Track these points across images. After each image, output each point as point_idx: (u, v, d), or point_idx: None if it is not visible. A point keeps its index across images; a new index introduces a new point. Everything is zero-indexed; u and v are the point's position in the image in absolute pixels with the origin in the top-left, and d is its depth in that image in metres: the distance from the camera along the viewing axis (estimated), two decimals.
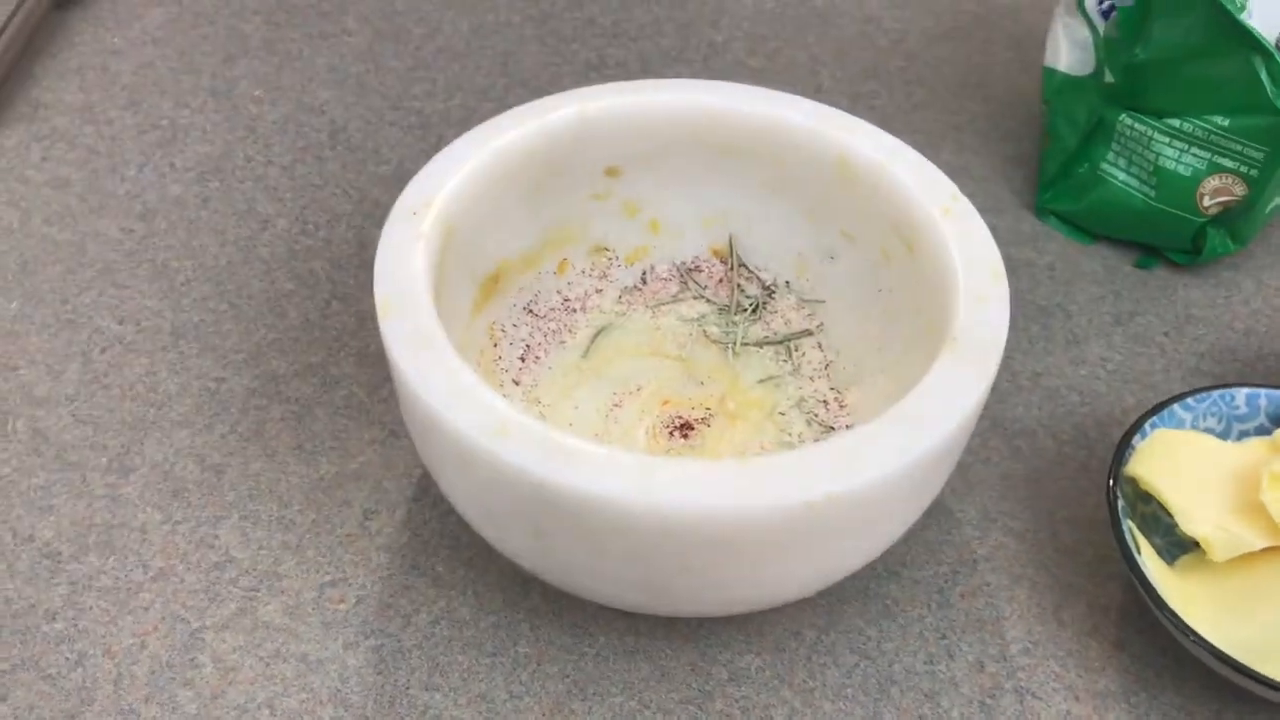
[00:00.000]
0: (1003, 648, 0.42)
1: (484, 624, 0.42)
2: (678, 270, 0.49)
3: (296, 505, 0.44)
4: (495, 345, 0.45)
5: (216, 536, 0.43)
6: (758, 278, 0.48)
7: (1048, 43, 0.58)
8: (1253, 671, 0.37)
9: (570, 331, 0.47)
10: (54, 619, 0.41)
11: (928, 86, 0.64)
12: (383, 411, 0.47)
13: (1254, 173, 0.51)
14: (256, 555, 0.43)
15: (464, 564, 0.43)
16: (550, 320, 0.47)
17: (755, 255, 0.48)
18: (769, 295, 0.48)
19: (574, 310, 0.47)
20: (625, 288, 0.48)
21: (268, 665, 0.40)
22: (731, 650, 0.41)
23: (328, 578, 0.43)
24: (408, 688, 0.40)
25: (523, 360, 0.46)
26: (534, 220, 0.46)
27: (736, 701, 0.40)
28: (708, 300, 0.48)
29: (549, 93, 0.61)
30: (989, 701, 0.40)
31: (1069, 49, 0.57)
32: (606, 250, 0.48)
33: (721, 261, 0.49)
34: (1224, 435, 0.44)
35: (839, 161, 0.44)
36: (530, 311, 0.47)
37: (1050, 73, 0.57)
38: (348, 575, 0.43)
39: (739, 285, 0.48)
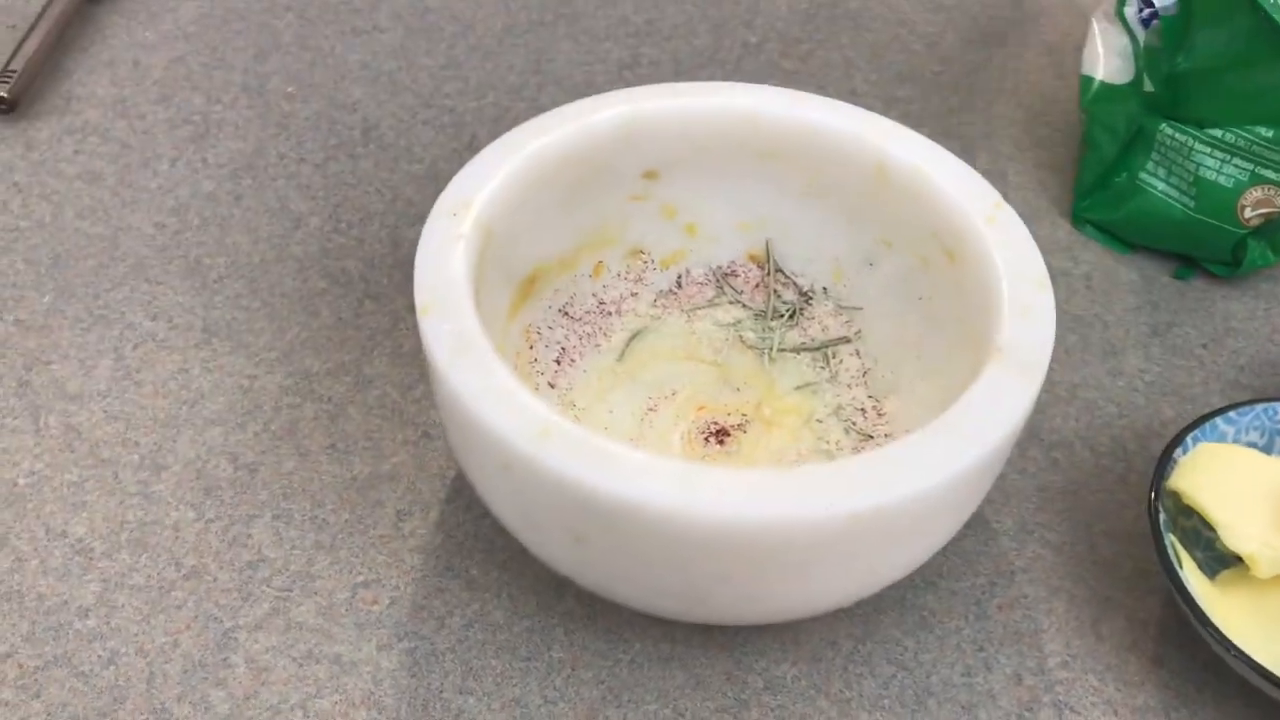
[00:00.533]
0: (1040, 661, 0.41)
1: (518, 628, 0.41)
2: (714, 275, 0.48)
3: (330, 505, 0.44)
4: (531, 348, 0.45)
5: (249, 535, 0.43)
6: (794, 283, 0.48)
7: (1085, 50, 0.57)
8: None
9: (605, 335, 0.47)
10: (86, 616, 0.41)
11: (963, 91, 0.63)
12: (416, 412, 0.47)
13: None
14: (289, 555, 0.43)
15: (498, 567, 0.43)
16: (585, 323, 0.47)
17: (792, 261, 0.48)
18: (806, 301, 0.48)
19: (609, 313, 0.47)
20: (661, 291, 0.48)
21: (301, 666, 0.40)
22: (767, 659, 0.41)
23: (361, 578, 0.42)
24: (441, 691, 0.40)
25: (558, 363, 0.45)
26: (571, 222, 0.45)
27: (772, 710, 0.40)
28: (744, 305, 0.48)
29: (582, 92, 0.61)
30: (1027, 715, 0.40)
31: (1107, 57, 0.56)
32: (642, 253, 0.48)
33: (758, 267, 0.48)
34: (1267, 449, 0.44)
35: (879, 167, 0.43)
36: (565, 314, 0.46)
37: (1088, 81, 0.57)
38: (381, 576, 0.42)
39: (775, 291, 0.48)
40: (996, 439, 0.35)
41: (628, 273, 0.48)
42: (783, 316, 0.47)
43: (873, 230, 0.45)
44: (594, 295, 0.47)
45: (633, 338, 0.47)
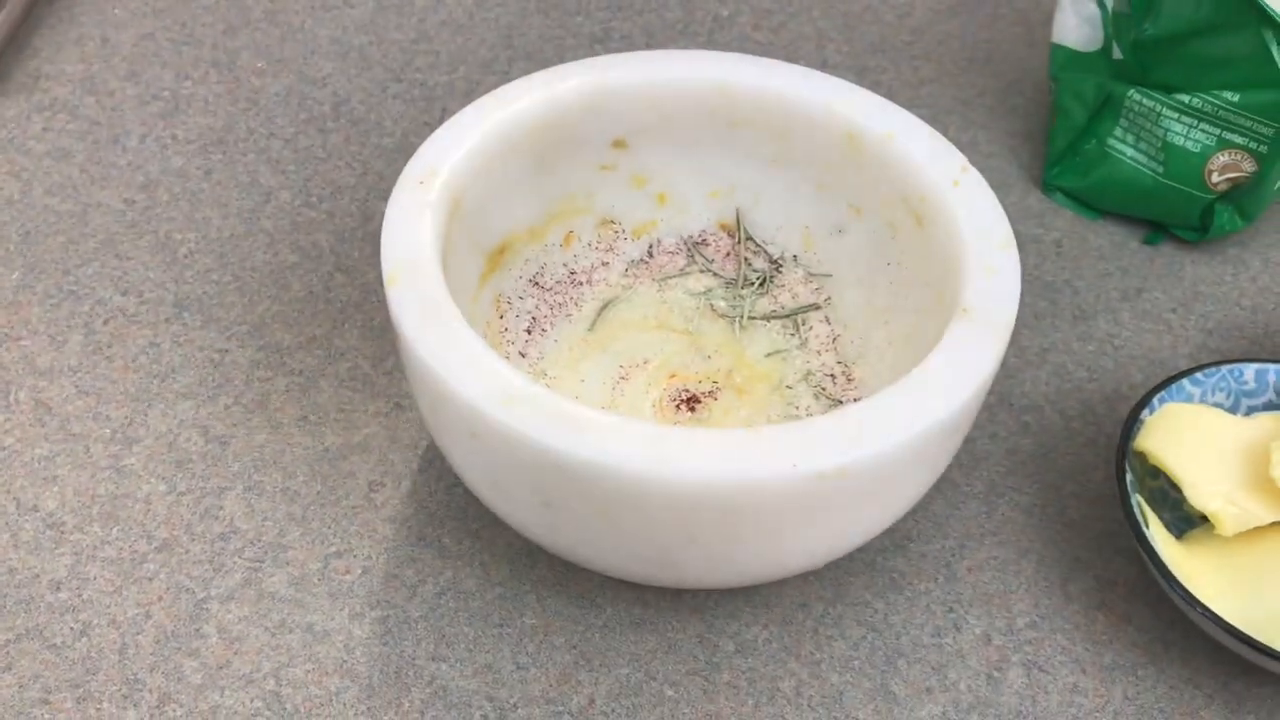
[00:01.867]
0: (1010, 621, 0.42)
1: (490, 595, 0.41)
2: (684, 244, 0.48)
3: (301, 477, 0.44)
4: (501, 317, 0.45)
5: (221, 507, 0.43)
6: (765, 251, 0.48)
7: (1055, 19, 0.58)
8: (1261, 644, 0.37)
9: (576, 304, 0.47)
10: (58, 589, 0.41)
11: (934, 62, 0.63)
12: (387, 384, 0.47)
13: (1263, 149, 0.50)
14: (261, 526, 0.43)
15: (470, 536, 0.43)
16: (556, 293, 0.47)
17: (763, 229, 0.48)
18: (776, 269, 0.48)
19: (580, 283, 0.47)
20: (632, 261, 0.48)
21: (273, 635, 0.40)
22: (739, 622, 0.41)
23: (333, 549, 0.42)
24: (414, 658, 0.40)
25: (529, 333, 0.45)
26: (541, 192, 0.45)
27: (744, 673, 0.40)
28: (715, 274, 0.48)
29: (553, 65, 0.61)
30: (996, 674, 0.40)
31: (1077, 25, 0.56)
32: (613, 223, 0.48)
33: (729, 235, 0.48)
34: (1232, 410, 0.44)
35: (847, 134, 0.44)
36: (536, 284, 0.46)
37: (1058, 49, 0.57)
38: (353, 546, 0.42)
39: (746, 259, 0.48)
40: (963, 396, 0.35)
41: (599, 242, 0.48)
42: (753, 284, 0.47)
43: (842, 197, 0.45)
44: (565, 265, 0.47)
45: (604, 307, 0.47)
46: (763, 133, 0.45)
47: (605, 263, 0.48)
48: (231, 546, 0.42)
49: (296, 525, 0.43)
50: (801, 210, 0.47)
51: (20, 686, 0.39)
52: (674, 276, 0.48)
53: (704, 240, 0.49)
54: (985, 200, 0.40)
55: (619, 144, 0.46)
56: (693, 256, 0.48)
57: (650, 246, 0.48)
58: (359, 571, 0.42)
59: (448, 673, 0.39)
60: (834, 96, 0.44)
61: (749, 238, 0.48)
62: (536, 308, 0.46)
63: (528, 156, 0.44)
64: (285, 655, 0.40)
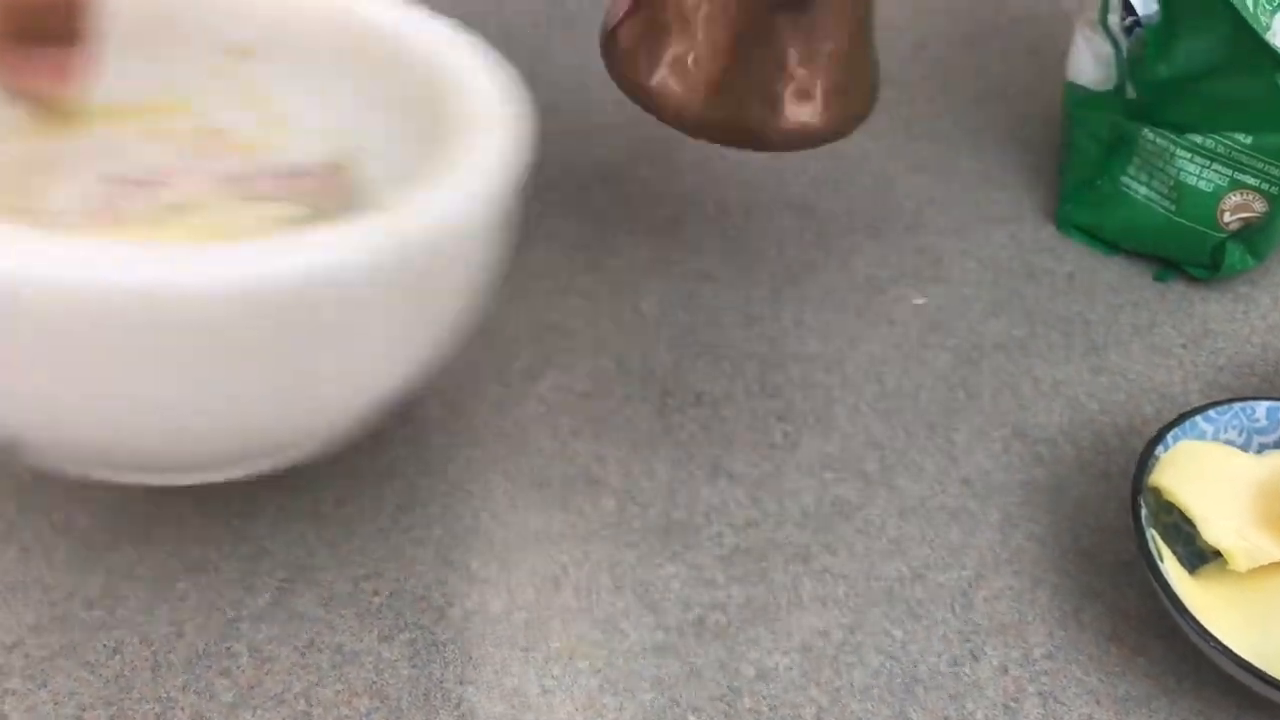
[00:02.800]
0: (1026, 651, 0.42)
1: (516, 619, 0.42)
2: (281, 170, 0.44)
3: (330, 499, 0.45)
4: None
5: (251, 529, 0.44)
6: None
7: (1070, 57, 0.59)
8: (1273, 679, 0.38)
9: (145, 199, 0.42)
10: (92, 607, 0.42)
11: (949, 94, 0.64)
12: (414, 406, 0.48)
13: (1274, 190, 0.51)
14: (291, 548, 0.44)
15: (495, 560, 0.44)
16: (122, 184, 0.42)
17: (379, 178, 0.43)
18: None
19: (156, 185, 0.43)
20: (226, 176, 0.43)
21: (303, 655, 0.41)
22: (760, 649, 0.42)
23: (362, 571, 0.43)
24: (442, 681, 0.40)
25: None
26: (134, 71, 0.42)
27: (765, 699, 0.41)
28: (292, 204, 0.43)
29: (576, 92, 0.61)
30: (1013, 704, 0.41)
31: (1091, 64, 0.57)
32: (219, 133, 0.44)
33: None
34: (1244, 447, 0.45)
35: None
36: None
37: (1072, 86, 0.58)
38: (381, 569, 0.43)
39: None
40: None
41: (191, 148, 0.44)
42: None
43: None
44: (142, 161, 0.43)
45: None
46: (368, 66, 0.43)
47: (190, 170, 0.43)
48: (262, 567, 0.43)
49: (325, 547, 0.44)
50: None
51: (55, 703, 0.39)
52: (257, 199, 0.43)
53: (306, 171, 0.44)
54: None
55: (234, 51, 0.43)
56: (281, 184, 0.44)
57: (249, 167, 0.44)
58: (387, 593, 0.43)
59: (474, 695, 0.40)
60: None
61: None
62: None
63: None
64: (315, 675, 0.40)
